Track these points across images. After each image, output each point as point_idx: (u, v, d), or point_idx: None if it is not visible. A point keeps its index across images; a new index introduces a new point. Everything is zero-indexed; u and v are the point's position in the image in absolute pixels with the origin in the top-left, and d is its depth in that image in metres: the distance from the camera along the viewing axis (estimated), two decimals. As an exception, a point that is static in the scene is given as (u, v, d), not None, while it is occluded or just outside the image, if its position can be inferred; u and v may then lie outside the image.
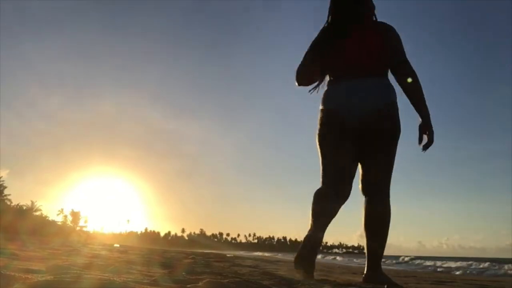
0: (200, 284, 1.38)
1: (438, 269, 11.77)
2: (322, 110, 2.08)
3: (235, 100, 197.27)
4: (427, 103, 2.01)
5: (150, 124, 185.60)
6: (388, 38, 2.01)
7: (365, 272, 2.04)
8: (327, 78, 2.12)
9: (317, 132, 2.08)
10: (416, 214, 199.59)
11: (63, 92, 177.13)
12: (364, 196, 2.09)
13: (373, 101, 1.94)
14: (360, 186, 2.10)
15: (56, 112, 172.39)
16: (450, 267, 13.40)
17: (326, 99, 2.07)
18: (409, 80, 1.99)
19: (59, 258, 2.60)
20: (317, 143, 2.08)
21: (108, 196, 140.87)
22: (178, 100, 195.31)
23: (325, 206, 2.03)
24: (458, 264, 14.83)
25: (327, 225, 2.03)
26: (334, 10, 2.10)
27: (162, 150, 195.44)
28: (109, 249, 5.71)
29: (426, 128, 1.98)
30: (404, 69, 2.00)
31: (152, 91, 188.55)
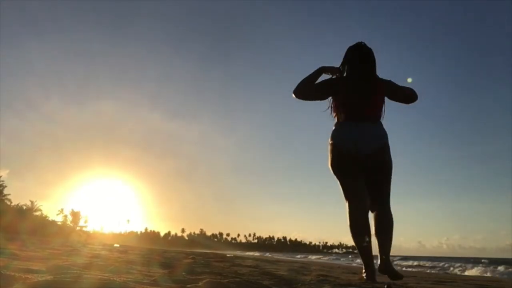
0: (200, 284, 1.38)
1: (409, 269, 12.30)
2: (331, 144, 2.57)
3: (234, 100, 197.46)
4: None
5: (150, 124, 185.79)
6: (393, 90, 2.64)
7: (378, 264, 2.45)
8: (335, 119, 2.63)
9: (329, 161, 2.59)
10: (416, 214, 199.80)
11: (63, 92, 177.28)
12: (372, 212, 2.57)
13: (375, 141, 2.53)
14: (368, 205, 2.57)
15: (55, 112, 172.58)
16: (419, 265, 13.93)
17: (335, 136, 2.59)
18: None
19: (59, 258, 2.60)
20: (331, 170, 2.59)
21: (108, 196, 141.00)
22: (177, 100, 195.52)
23: (357, 217, 2.51)
24: (428, 263, 15.48)
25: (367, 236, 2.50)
26: (348, 66, 2.65)
27: (162, 150, 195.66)
28: (109, 249, 5.72)
29: None
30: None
31: (151, 91, 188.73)
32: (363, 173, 2.56)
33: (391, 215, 2.57)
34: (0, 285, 1.07)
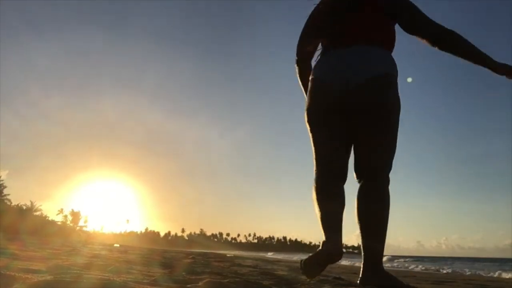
0: (200, 284, 1.38)
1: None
2: (311, 79, 1.84)
3: (234, 100, 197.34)
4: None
5: (150, 124, 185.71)
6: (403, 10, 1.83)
7: (361, 273, 1.67)
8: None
9: (305, 106, 1.84)
10: (415, 214, 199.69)
11: (63, 92, 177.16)
12: (358, 183, 1.77)
13: (365, 70, 1.68)
14: (354, 173, 1.79)
15: (55, 113, 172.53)
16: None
17: (316, 67, 1.85)
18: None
19: (59, 258, 2.59)
20: (305, 119, 1.83)
21: (108, 196, 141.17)
22: (177, 100, 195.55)
23: (327, 194, 1.75)
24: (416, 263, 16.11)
25: (339, 215, 1.72)
26: None
27: (162, 150, 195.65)
28: (109, 249, 5.71)
29: (501, 70, 1.82)
30: (452, 35, 1.86)
31: (151, 91, 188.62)
32: (346, 124, 1.73)
33: (384, 194, 1.70)
34: (0, 285, 1.07)
